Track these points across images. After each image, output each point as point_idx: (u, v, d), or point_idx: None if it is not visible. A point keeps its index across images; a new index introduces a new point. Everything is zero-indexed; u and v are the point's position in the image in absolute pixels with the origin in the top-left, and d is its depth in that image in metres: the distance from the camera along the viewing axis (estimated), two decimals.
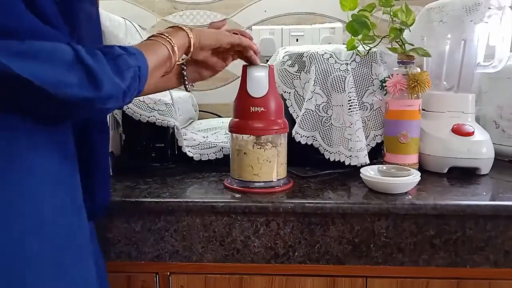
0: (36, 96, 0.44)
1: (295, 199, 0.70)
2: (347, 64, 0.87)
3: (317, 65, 0.87)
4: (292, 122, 0.89)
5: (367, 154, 0.85)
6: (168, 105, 0.88)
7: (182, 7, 1.32)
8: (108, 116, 0.76)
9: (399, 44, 0.86)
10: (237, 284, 0.73)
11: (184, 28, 0.65)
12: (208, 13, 1.32)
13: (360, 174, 0.75)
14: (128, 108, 0.85)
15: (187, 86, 0.73)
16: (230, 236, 0.70)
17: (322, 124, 0.89)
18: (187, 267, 0.73)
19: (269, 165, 0.74)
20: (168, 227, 0.71)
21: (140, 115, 0.86)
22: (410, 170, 0.75)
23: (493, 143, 0.86)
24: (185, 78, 0.72)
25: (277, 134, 0.74)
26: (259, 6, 1.31)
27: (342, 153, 0.86)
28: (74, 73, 0.45)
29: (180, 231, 0.71)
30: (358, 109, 0.85)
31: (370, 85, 0.89)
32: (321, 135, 0.89)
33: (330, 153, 0.88)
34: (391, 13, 0.85)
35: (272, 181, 0.75)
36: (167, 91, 0.86)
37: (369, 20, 0.86)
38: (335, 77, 0.86)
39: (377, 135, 0.90)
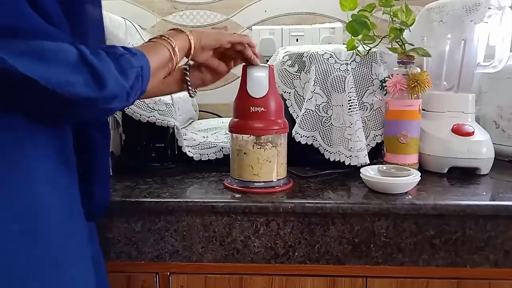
0: (41, 95, 0.44)
1: (295, 199, 0.70)
2: (347, 64, 0.87)
3: (317, 65, 0.87)
4: (292, 122, 0.89)
5: (367, 154, 0.85)
6: (168, 105, 0.88)
7: (182, 7, 1.32)
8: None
9: (399, 44, 0.86)
10: (237, 284, 0.73)
11: (184, 30, 0.65)
12: (208, 13, 1.32)
13: (360, 174, 0.75)
14: (128, 108, 0.85)
15: (191, 92, 0.74)
16: (230, 236, 0.70)
17: (322, 124, 0.89)
18: (187, 267, 0.73)
19: (269, 165, 0.74)
20: (168, 227, 0.71)
21: (140, 115, 0.86)
22: (410, 170, 0.75)
23: (493, 143, 0.86)
24: (189, 83, 0.73)
25: (277, 134, 0.74)
26: (259, 6, 1.31)
27: (342, 153, 0.86)
28: (79, 73, 0.45)
29: (180, 231, 0.71)
30: (358, 109, 0.85)
31: (370, 85, 0.89)
32: (321, 135, 0.89)
33: (330, 153, 0.88)
34: (391, 13, 0.85)
35: (272, 181, 0.75)
36: None
37: (369, 20, 0.86)
38: (335, 77, 0.86)
39: (377, 135, 0.90)
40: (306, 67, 0.90)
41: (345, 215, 0.69)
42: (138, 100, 0.86)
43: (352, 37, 0.87)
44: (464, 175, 0.84)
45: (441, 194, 0.73)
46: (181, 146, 0.89)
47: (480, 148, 0.84)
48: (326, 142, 0.89)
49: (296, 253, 0.70)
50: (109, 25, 0.86)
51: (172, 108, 0.89)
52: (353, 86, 0.86)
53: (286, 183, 0.76)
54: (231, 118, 0.77)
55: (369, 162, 0.84)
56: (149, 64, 0.56)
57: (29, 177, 0.47)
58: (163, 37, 0.62)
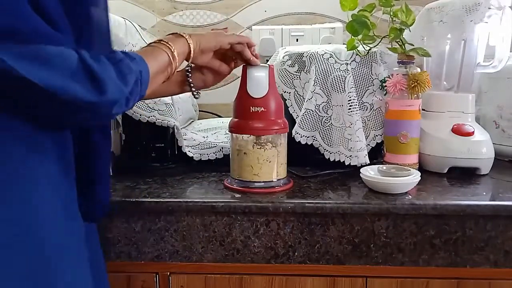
0: (40, 98, 0.44)
1: (295, 199, 0.70)
2: (347, 64, 0.87)
3: (317, 65, 0.87)
4: (292, 122, 0.89)
5: (367, 154, 0.85)
6: (168, 105, 0.88)
7: (182, 7, 1.32)
8: None
9: (399, 44, 0.86)
10: (237, 284, 0.73)
11: (183, 35, 0.66)
12: (208, 13, 1.32)
13: (360, 174, 0.75)
14: None
15: (195, 94, 0.74)
16: (230, 236, 0.70)
17: (322, 124, 0.89)
18: (187, 267, 0.73)
19: (269, 165, 0.74)
20: (168, 227, 0.71)
21: (140, 115, 0.86)
22: (410, 170, 0.75)
23: (493, 143, 0.86)
24: (192, 85, 0.73)
25: (277, 134, 0.74)
26: (259, 6, 1.30)
27: (342, 153, 0.86)
28: (79, 77, 0.45)
29: (180, 231, 0.71)
30: (358, 109, 0.85)
31: (370, 85, 0.89)
32: (321, 135, 0.89)
33: (330, 153, 0.88)
34: (391, 13, 0.85)
35: (272, 181, 0.75)
36: None
37: (369, 20, 0.86)
38: (335, 77, 0.86)
39: (377, 135, 0.90)
40: (306, 67, 0.90)
41: (345, 215, 0.69)
42: None
43: (352, 37, 0.87)
44: (464, 175, 0.84)
45: (441, 194, 0.73)
46: (181, 146, 0.89)
47: (480, 148, 0.84)
48: (326, 142, 0.89)
49: (296, 253, 0.70)
50: None
51: (172, 108, 0.89)
52: (353, 86, 0.86)
53: (286, 183, 0.76)
54: (231, 118, 0.77)
55: (369, 162, 0.84)
56: (148, 69, 0.56)
57: (28, 178, 0.47)
58: (162, 42, 0.62)
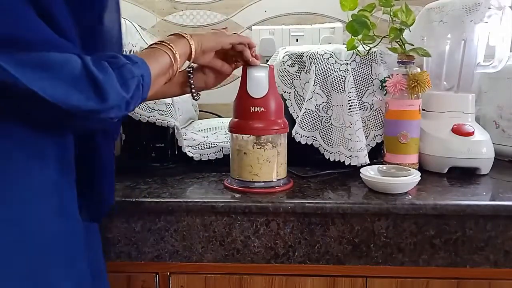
0: (41, 107, 0.44)
1: (295, 199, 0.70)
2: (347, 64, 0.87)
3: (317, 65, 0.87)
4: (292, 122, 0.89)
5: (367, 154, 0.85)
6: (168, 105, 0.88)
7: (182, 7, 1.32)
8: None
9: (399, 44, 0.86)
10: (237, 284, 0.73)
11: (184, 35, 0.66)
12: (208, 13, 1.32)
13: (360, 174, 0.75)
14: None
15: (194, 95, 0.74)
16: (230, 236, 0.70)
17: (322, 124, 0.89)
18: (187, 267, 0.73)
19: (269, 165, 0.74)
20: (168, 227, 0.71)
21: (140, 115, 0.86)
22: (410, 170, 0.75)
23: (493, 143, 0.86)
24: (192, 87, 0.73)
25: (277, 134, 0.74)
26: (259, 6, 1.30)
27: (342, 153, 0.86)
28: (82, 86, 0.45)
29: (180, 231, 0.71)
30: (358, 109, 0.85)
31: (370, 85, 0.89)
32: (321, 135, 0.89)
33: (330, 153, 0.88)
34: (391, 13, 0.85)
35: (272, 181, 0.75)
36: None
37: (369, 20, 0.86)
38: (335, 77, 0.86)
39: (377, 135, 0.90)
40: (306, 67, 0.90)
41: (345, 215, 0.69)
42: None
43: (352, 37, 0.87)
44: (464, 175, 0.84)
45: (441, 194, 0.73)
46: (181, 146, 0.89)
47: (480, 148, 0.84)
48: (326, 142, 0.88)
49: (296, 253, 0.70)
50: None
51: (172, 108, 0.89)
52: (353, 86, 0.86)
53: (286, 183, 0.76)
54: (231, 118, 0.77)
55: (369, 162, 0.84)
56: (150, 71, 0.56)
57: (28, 179, 0.48)
58: (164, 43, 0.62)
